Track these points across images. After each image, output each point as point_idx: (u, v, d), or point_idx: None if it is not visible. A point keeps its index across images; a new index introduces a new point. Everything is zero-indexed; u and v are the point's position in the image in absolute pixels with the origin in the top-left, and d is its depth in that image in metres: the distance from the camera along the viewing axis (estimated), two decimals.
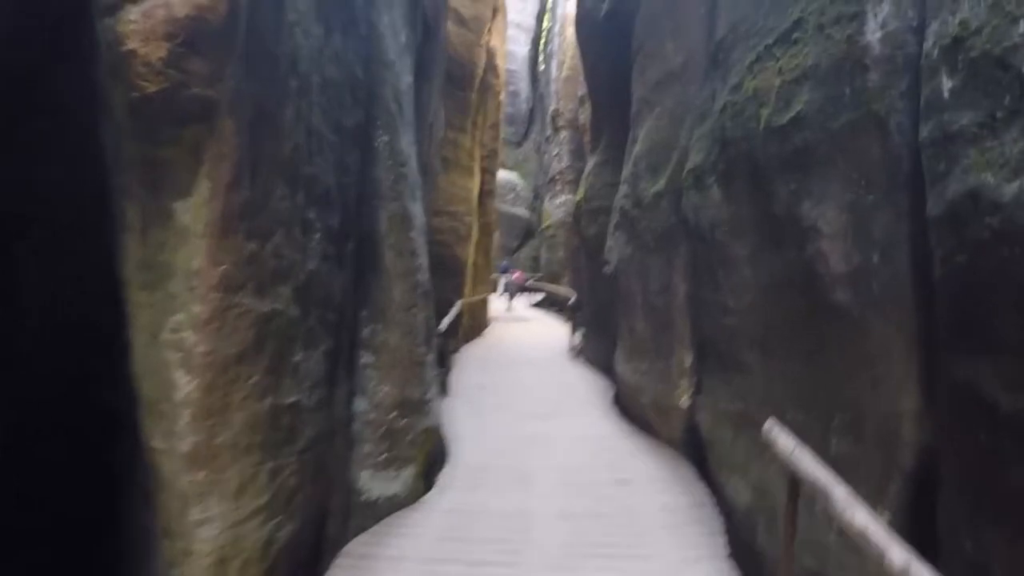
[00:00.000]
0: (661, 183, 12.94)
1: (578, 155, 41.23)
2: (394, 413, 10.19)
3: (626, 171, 15.68)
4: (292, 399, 7.30)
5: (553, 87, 48.17)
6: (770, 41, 8.92)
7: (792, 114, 8.02)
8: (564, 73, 43.59)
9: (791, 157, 8.09)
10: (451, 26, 26.18)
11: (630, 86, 16.70)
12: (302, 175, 7.01)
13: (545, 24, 58.11)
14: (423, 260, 11.28)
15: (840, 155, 7.34)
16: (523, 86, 59.27)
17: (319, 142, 7.58)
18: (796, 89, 8.03)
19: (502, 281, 45.20)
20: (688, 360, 12.18)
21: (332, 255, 8.39)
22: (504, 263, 48.53)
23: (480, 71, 27.21)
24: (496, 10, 27.80)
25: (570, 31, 42.60)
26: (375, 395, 10.05)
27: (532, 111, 59.04)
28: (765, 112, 8.60)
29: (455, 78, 26.02)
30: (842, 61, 7.32)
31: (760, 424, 9.63)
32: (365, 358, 10.03)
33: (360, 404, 9.94)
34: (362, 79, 9.34)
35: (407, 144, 11.26)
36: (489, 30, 27.70)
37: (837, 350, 7.67)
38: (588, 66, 23.83)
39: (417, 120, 15.94)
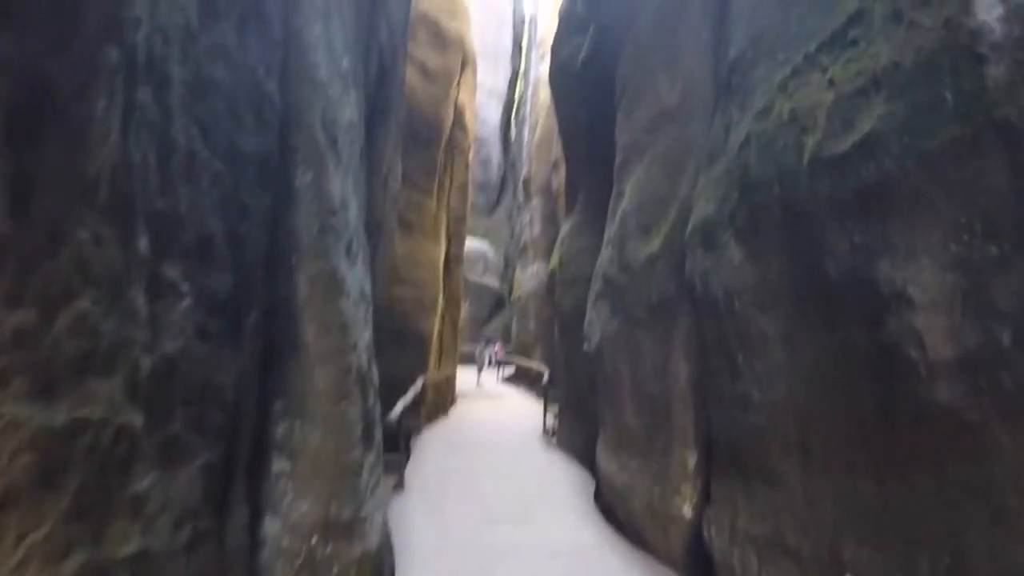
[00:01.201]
0: (655, 244, 10.68)
1: (551, 222, 39.24)
2: (315, 538, 7.67)
3: (610, 232, 13.45)
4: (132, 548, 4.80)
5: (525, 152, 46.43)
6: (811, 48, 6.75)
7: (856, 137, 5.79)
8: (537, 137, 41.79)
9: (855, 197, 5.84)
10: (416, 79, 24.29)
11: (612, 136, 14.93)
12: (144, 211, 4.61)
13: (517, 90, 56.69)
14: (361, 337, 8.87)
15: (939, 189, 5.07)
16: (494, 152, 57.60)
17: (188, 168, 5.23)
18: (861, 103, 5.81)
19: (487, 354, 43.51)
20: (692, 461, 9.76)
21: (217, 331, 5.97)
22: (488, 334, 47.46)
23: (447, 128, 25.21)
24: (465, 63, 25.88)
25: (543, 94, 41.07)
26: (290, 514, 7.52)
27: (504, 178, 57.30)
28: (810, 139, 6.36)
29: (420, 135, 24.03)
30: (938, 54, 5.08)
31: (801, 556, 7.25)
32: (278, 465, 7.52)
33: (271, 527, 7.40)
34: (274, 96, 7.04)
35: (343, 189, 8.93)
36: (458, 84, 25.83)
37: (932, 468, 5.41)
38: (563, 121, 22.03)
39: (368, 169, 13.67)
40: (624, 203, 12.27)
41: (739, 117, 8.28)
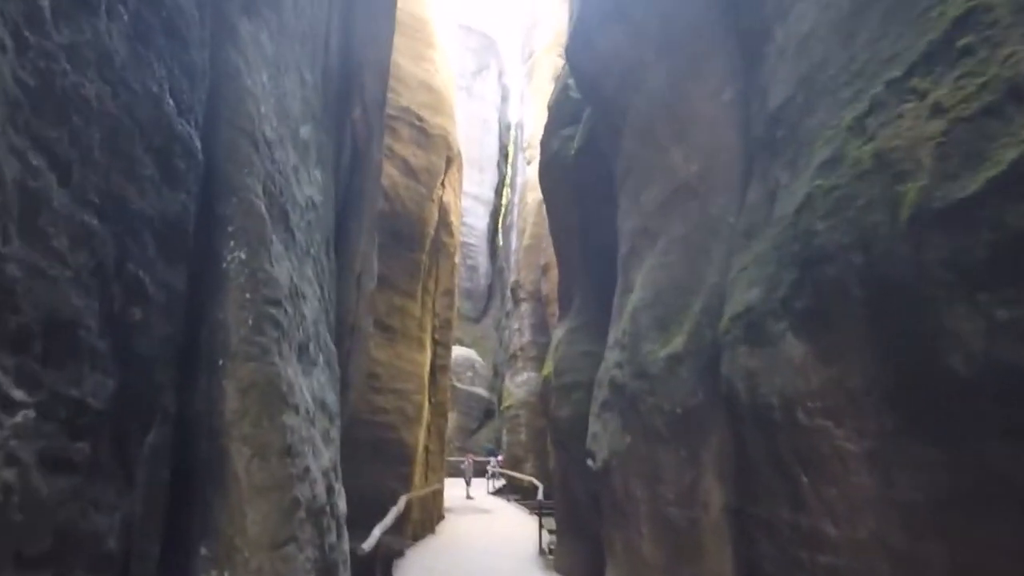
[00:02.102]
0: (677, 342, 8.89)
1: (541, 329, 37.55)
2: None
3: (616, 332, 11.68)
4: None
5: (513, 259, 45.03)
6: (896, 73, 5.08)
7: (993, 172, 4.05)
8: (525, 242, 40.46)
9: (992, 256, 4.07)
10: (398, 177, 22.91)
11: (612, 226, 13.51)
12: None
13: (504, 197, 55.78)
14: (316, 461, 6.97)
15: None
16: (482, 260, 56.32)
17: (28, 216, 3.46)
18: (993, 126, 4.09)
19: (489, 467, 42.14)
20: None
21: (86, 459, 4.09)
22: (490, 447, 45.88)
23: (432, 229, 23.74)
24: (450, 161, 24.53)
25: (531, 197, 39.96)
26: None
27: (491, 286, 55.87)
28: (911, 188, 4.63)
29: (403, 236, 22.59)
30: None
31: None
32: None
33: None
34: (191, 143, 5.32)
35: (295, 277, 7.18)
36: (443, 183, 24.47)
37: None
38: (555, 219, 20.69)
39: (340, 265, 11.95)
40: (634, 298, 10.52)
41: (789, 178, 6.61)
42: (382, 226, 22.38)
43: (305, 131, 8.70)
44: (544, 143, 20.62)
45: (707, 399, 8.13)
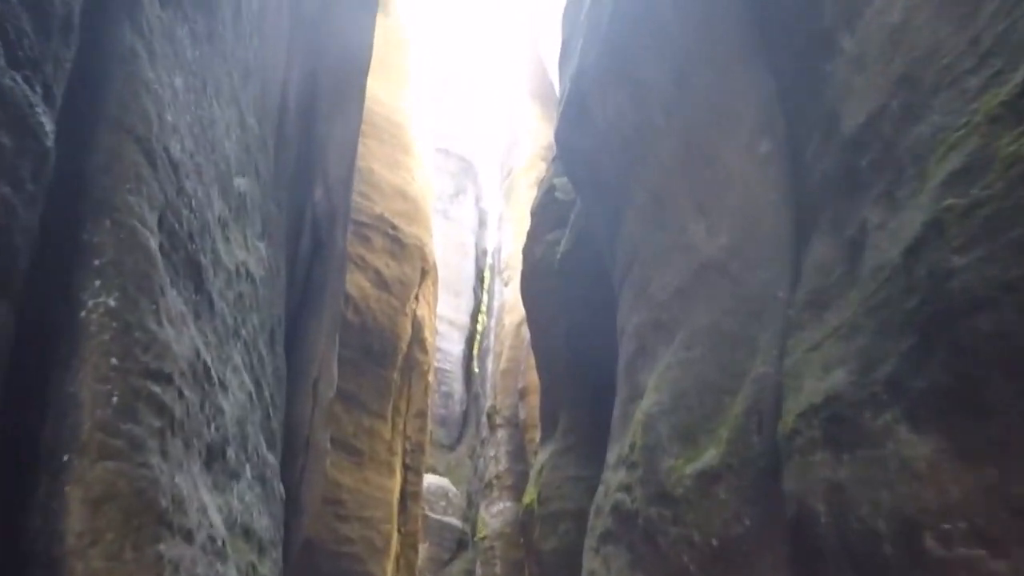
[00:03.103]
0: (711, 455, 6.87)
1: (518, 457, 35.08)
2: None
3: (619, 450, 9.69)
4: None
5: (489, 384, 42.79)
6: None
7: None
8: (502, 366, 38.26)
9: None
10: (369, 288, 21.20)
11: (608, 331, 11.94)
12: None
13: (480, 322, 53.94)
14: None
15: None
16: (457, 386, 53.80)
17: None
18: None
19: None
20: None
21: None
22: None
23: (404, 345, 21.89)
24: (426, 273, 22.84)
25: (508, 320, 38.26)
26: None
27: (466, 412, 53.21)
28: None
29: (373, 351, 20.79)
30: None
31: None
32: None
33: None
34: (19, 102, 3.42)
35: (204, 352, 5.22)
36: (416, 297, 22.69)
37: None
38: (538, 334, 19.09)
39: (293, 368, 9.98)
40: (646, 405, 8.53)
41: (886, 214, 4.80)
42: (351, 340, 20.54)
43: (242, 184, 6.88)
44: (527, 251, 19.17)
45: (758, 527, 6.10)
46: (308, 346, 10.71)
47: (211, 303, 5.55)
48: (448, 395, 52.76)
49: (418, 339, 22.97)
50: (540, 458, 18.09)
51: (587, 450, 14.84)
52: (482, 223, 57.84)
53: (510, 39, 44.51)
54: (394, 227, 22.35)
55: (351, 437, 19.82)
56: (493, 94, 53.69)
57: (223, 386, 5.67)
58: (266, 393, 7.65)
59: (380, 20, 25.05)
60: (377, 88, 23.69)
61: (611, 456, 10.22)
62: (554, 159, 20.03)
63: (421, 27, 27.53)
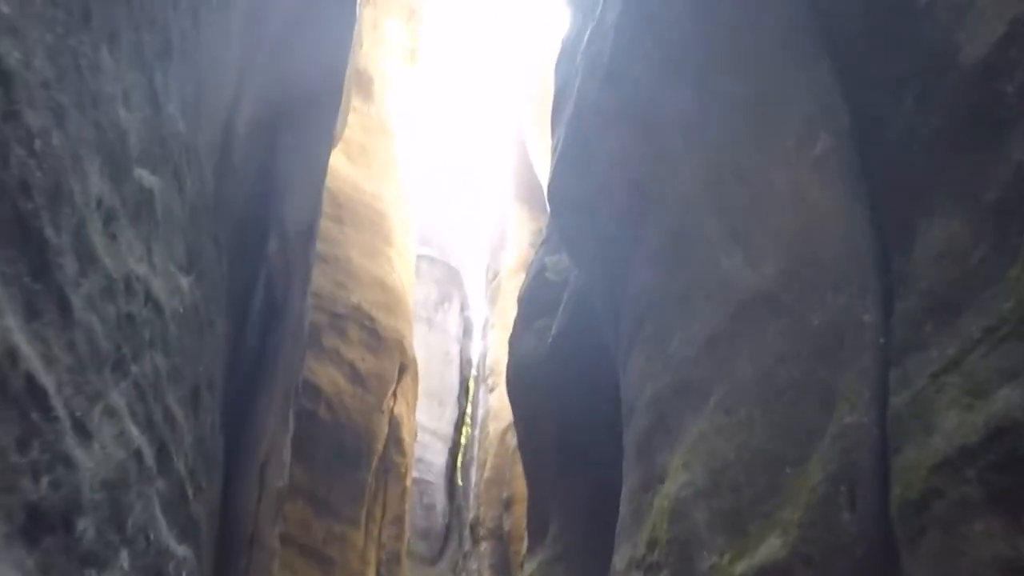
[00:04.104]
0: (774, 545, 4.92)
1: (502, 571, 32.75)
2: None
3: (630, 550, 7.77)
4: None
5: (472, 494, 40.37)
6: None
7: None
8: (486, 475, 36.09)
9: None
10: (344, 384, 19.71)
11: (608, 416, 10.63)
12: None
13: (464, 432, 51.60)
14: None
15: None
16: (439, 498, 51.06)
17: None
18: None
19: None
20: None
21: None
22: None
23: (380, 445, 20.26)
24: (404, 368, 21.11)
25: (493, 428, 36.57)
26: None
27: (449, 525, 50.37)
28: None
29: (346, 451, 19.31)
30: None
31: None
32: None
33: None
34: None
35: (63, 381, 3.38)
36: (394, 394, 20.92)
37: None
38: (525, 429, 18.13)
39: (239, 447, 8.07)
40: (671, 489, 6.59)
41: None
42: (323, 439, 18.74)
43: (150, 181, 5.13)
44: (514, 342, 17.71)
45: None
46: (256, 424, 8.78)
47: (64, 304, 3.72)
48: (430, 507, 50.03)
49: (395, 439, 21.05)
50: (527, 569, 16.35)
51: (582, 559, 13.23)
52: (467, 332, 56.27)
53: (497, 140, 43.72)
54: (372, 319, 20.75)
55: (320, 544, 18.14)
56: (479, 197, 52.82)
57: (80, 429, 3.79)
58: (178, 464, 5.71)
59: (364, 107, 24.13)
60: (358, 175, 22.47)
61: (619, 560, 8.21)
62: (543, 241, 18.63)
63: (406, 121, 26.33)
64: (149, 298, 5.06)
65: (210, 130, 7.05)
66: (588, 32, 10.08)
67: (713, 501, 5.83)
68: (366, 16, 22.90)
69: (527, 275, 18.85)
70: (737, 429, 5.86)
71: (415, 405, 23.03)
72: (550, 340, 14.83)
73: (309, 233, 10.14)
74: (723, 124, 6.95)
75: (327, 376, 19.15)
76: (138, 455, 4.64)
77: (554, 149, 11.57)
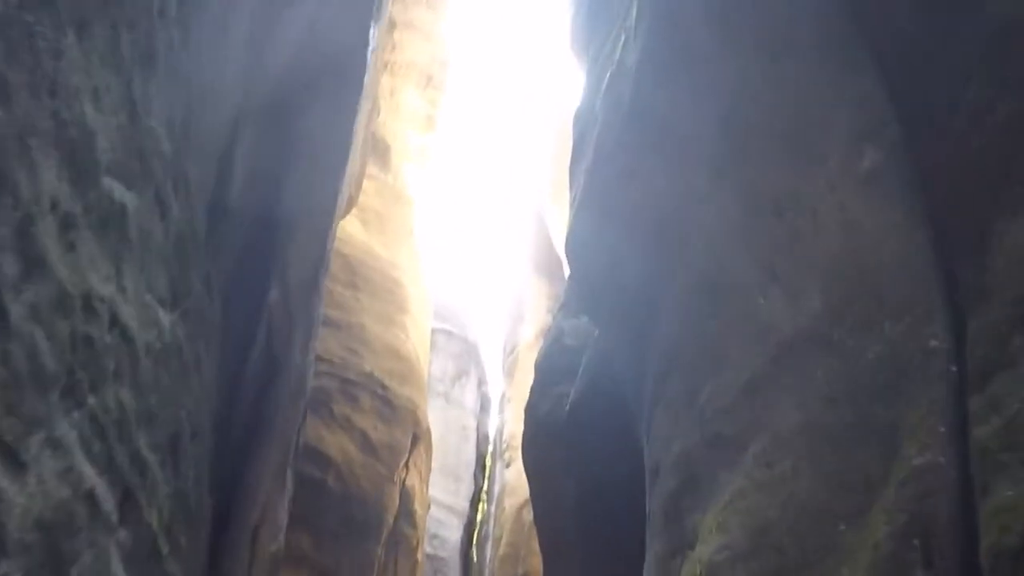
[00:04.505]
0: None
1: None
2: None
3: None
4: None
5: (488, 570, 39.10)
6: None
7: None
8: (501, 551, 34.97)
9: None
10: (355, 452, 19.01)
11: (628, 479, 10.24)
12: None
13: (480, 509, 50.31)
14: None
15: None
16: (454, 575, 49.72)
17: None
18: None
19: None
20: None
21: None
22: None
23: (391, 517, 19.38)
24: (417, 438, 20.37)
25: (509, 503, 35.68)
26: None
27: None
28: None
29: (356, 523, 18.70)
30: None
31: None
32: None
33: None
34: None
35: None
36: (407, 464, 20.14)
37: None
38: (542, 499, 17.47)
39: (225, 509, 7.41)
40: (705, 553, 5.83)
41: None
42: (331, 509, 17.96)
43: (123, 195, 4.61)
44: (530, 410, 17.06)
45: None
46: (250, 484, 8.11)
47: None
48: None
49: (407, 511, 20.13)
50: None
51: None
52: (484, 407, 55.40)
53: (515, 212, 43.46)
54: (384, 387, 20.08)
55: None
56: (497, 270, 52.50)
57: (10, 457, 3.17)
58: (149, 516, 5.05)
59: (380, 174, 23.86)
60: (373, 241, 22.09)
61: None
62: (561, 306, 18.07)
63: (424, 190, 26.07)
64: (116, 324, 4.47)
65: (203, 161, 6.56)
66: (607, 79, 9.64)
67: (753, 564, 5.08)
68: (383, 83, 22.80)
69: (544, 341, 18.26)
70: (780, 483, 5.13)
71: (428, 477, 22.18)
72: (568, 406, 14.19)
73: (313, 285, 9.57)
74: (756, 154, 6.39)
75: (337, 444, 18.44)
76: (90, 498, 4.00)
77: (572, 201, 11.06)
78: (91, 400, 4.10)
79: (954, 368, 3.90)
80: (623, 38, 9.32)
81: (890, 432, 4.17)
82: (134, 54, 4.81)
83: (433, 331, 36.06)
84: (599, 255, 9.92)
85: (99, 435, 4.21)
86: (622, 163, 8.83)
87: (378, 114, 22.62)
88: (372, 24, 10.26)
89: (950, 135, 4.27)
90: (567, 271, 18.57)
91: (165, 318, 5.52)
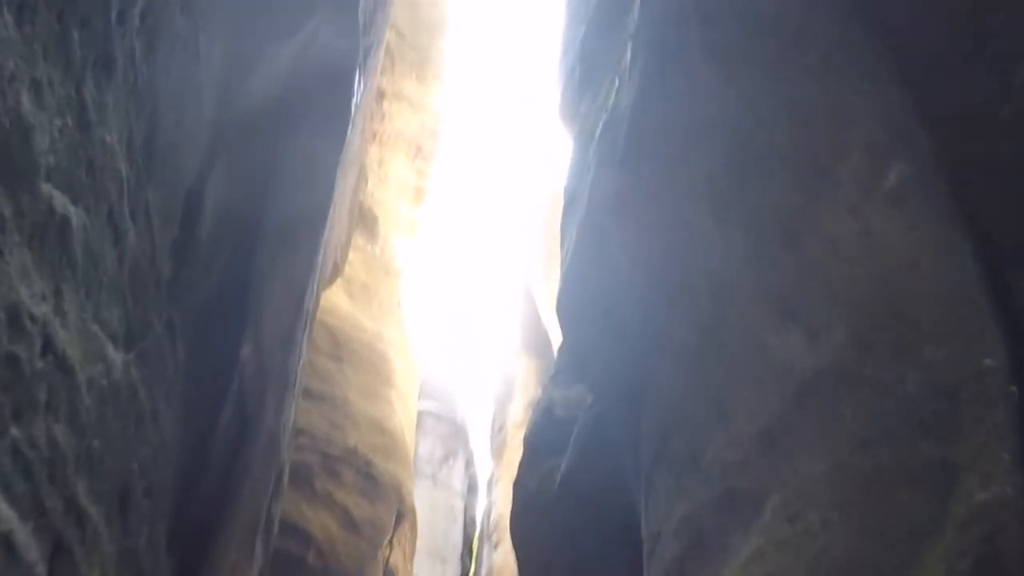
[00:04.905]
0: None
1: None
2: None
3: None
4: None
5: None
6: None
7: None
8: None
9: None
10: (335, 529, 18.07)
11: (623, 551, 9.76)
12: None
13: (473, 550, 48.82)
14: None
15: None
16: None
17: None
18: None
19: None
20: None
21: None
22: None
23: None
24: (402, 516, 19.61)
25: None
26: None
27: None
28: None
29: None
30: None
31: None
32: None
33: None
34: None
35: None
36: (390, 542, 19.24)
37: None
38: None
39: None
40: None
41: None
42: None
43: (67, 208, 4.09)
44: (519, 485, 16.49)
45: None
46: (215, 552, 7.37)
47: None
48: None
49: None
50: None
51: None
52: (472, 489, 54.18)
53: (504, 291, 43.10)
54: (368, 463, 19.32)
55: None
56: (485, 350, 51.93)
57: None
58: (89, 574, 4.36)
59: (367, 246, 23.38)
60: (359, 313, 21.56)
61: None
62: (551, 377, 17.48)
63: (412, 265, 25.57)
64: (50, 349, 3.88)
65: (168, 190, 6.05)
66: (599, 127, 9.25)
67: None
68: (372, 153, 22.57)
69: (533, 414, 17.60)
70: (807, 540, 4.51)
71: (412, 555, 21.22)
72: (559, 478, 13.51)
73: (289, 340, 8.93)
74: (764, 186, 5.91)
75: (318, 521, 17.57)
76: (7, 543, 3.36)
77: (563, 259, 10.57)
78: (14, 431, 3.49)
79: (1014, 388, 3.35)
80: (616, 83, 8.96)
81: (941, 469, 3.59)
82: (87, 55, 4.33)
83: (421, 413, 35.24)
84: (592, 312, 9.39)
85: (24, 474, 3.59)
86: (617, 209, 8.36)
87: (366, 184, 22.29)
88: (361, 45, 9.85)
89: (993, 130, 3.80)
90: (556, 349, 18.14)
91: (116, 355, 4.93)
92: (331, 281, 18.47)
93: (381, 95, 22.53)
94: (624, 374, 8.73)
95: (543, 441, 15.63)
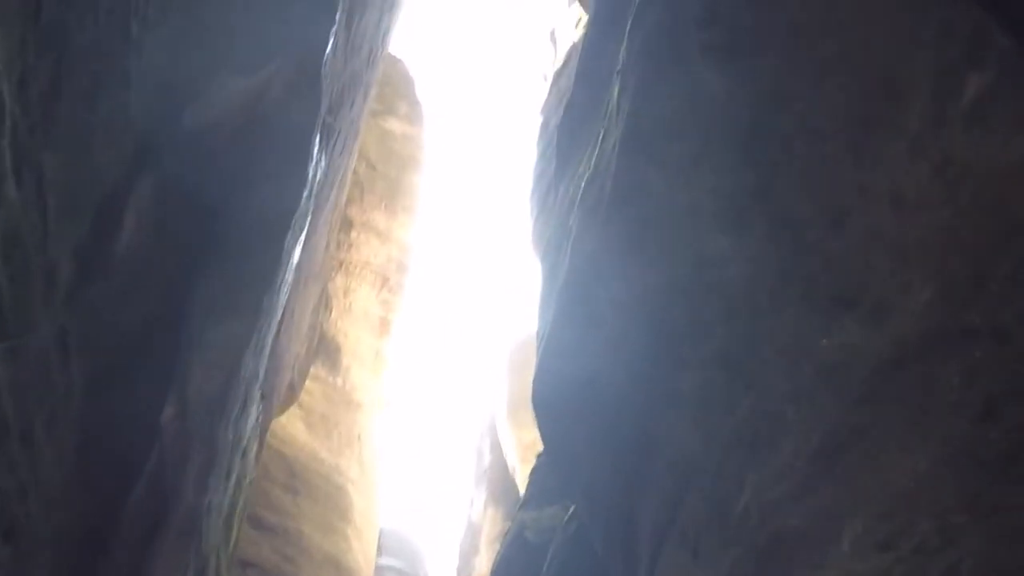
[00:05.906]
0: None
1: None
2: None
3: None
4: None
5: None
6: None
7: None
8: None
9: None
10: None
11: None
12: None
13: None
14: None
15: None
16: None
17: None
18: None
19: None
20: None
21: None
22: None
23: None
24: None
25: None
26: None
27: None
28: None
29: None
30: None
31: None
32: None
33: None
34: None
35: None
36: None
37: None
38: None
39: None
40: None
41: None
42: None
43: None
44: None
45: None
46: None
47: None
48: None
49: None
50: None
51: None
52: None
53: (470, 440, 41.28)
54: None
55: None
56: (450, 503, 49.33)
57: None
58: None
59: (328, 376, 21.81)
60: (317, 445, 19.99)
61: None
62: (521, 505, 15.79)
63: (376, 400, 24.00)
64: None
65: (72, 173, 4.85)
66: (584, 181, 8.23)
67: None
68: (338, 282, 21.52)
69: (502, 544, 15.81)
70: (921, 560, 3.11)
71: None
72: None
73: (220, 408, 7.35)
74: (790, 172, 4.81)
75: None
76: None
77: (540, 335, 9.31)
78: None
79: None
80: (600, 134, 8.00)
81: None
82: None
83: (383, 568, 32.66)
84: (576, 389, 8.04)
85: None
86: (602, 265, 7.21)
87: (329, 313, 21.10)
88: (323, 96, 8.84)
89: None
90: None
91: None
92: (287, 403, 16.92)
93: (349, 224, 21.67)
94: (616, 449, 7.30)
95: (514, 570, 13.90)
